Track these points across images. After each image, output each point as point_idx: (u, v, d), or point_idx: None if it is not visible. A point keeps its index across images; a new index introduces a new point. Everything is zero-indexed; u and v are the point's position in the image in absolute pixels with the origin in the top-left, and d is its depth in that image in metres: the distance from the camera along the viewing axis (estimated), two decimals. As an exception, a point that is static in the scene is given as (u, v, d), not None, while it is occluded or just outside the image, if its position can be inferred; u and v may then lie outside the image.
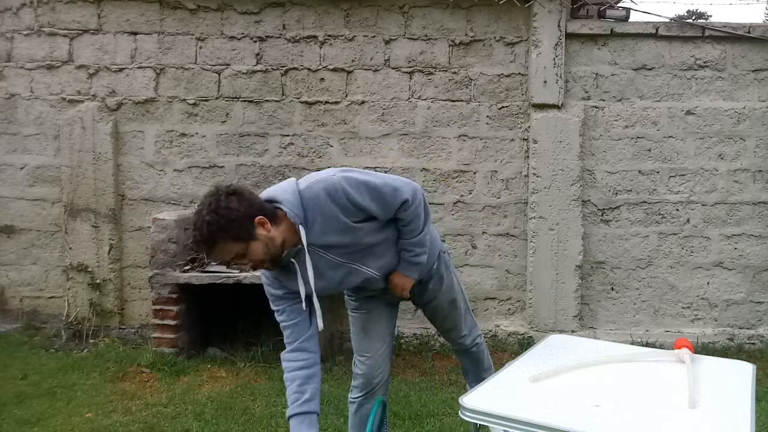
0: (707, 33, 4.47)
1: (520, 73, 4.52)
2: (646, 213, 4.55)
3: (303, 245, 1.96)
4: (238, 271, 3.96)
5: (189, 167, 4.64)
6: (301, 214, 1.94)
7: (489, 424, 1.61)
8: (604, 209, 4.55)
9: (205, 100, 4.61)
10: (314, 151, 4.60)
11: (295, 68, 4.57)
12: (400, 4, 4.50)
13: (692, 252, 4.57)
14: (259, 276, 2.22)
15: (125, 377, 3.82)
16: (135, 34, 4.60)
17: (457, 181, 4.57)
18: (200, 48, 4.59)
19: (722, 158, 4.54)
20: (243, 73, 4.58)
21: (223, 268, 4.03)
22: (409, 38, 4.53)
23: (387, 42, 4.53)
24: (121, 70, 4.62)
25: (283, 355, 2.11)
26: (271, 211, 1.95)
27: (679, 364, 1.91)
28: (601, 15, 4.50)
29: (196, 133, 4.63)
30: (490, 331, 4.53)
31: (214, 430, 3.13)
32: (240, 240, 1.89)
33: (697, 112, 4.52)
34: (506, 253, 4.59)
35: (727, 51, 4.49)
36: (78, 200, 4.59)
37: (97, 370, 3.91)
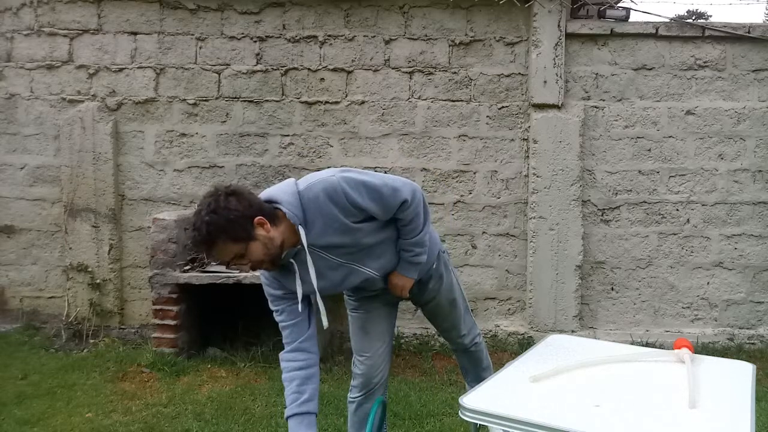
0: (707, 33, 4.47)
1: (520, 73, 4.52)
2: (646, 213, 4.55)
3: (302, 246, 1.96)
4: (238, 271, 3.95)
5: (189, 167, 4.64)
6: (300, 215, 1.94)
7: (489, 424, 1.61)
8: (604, 209, 4.55)
9: (205, 100, 4.61)
10: (314, 151, 4.60)
11: (295, 68, 4.57)
12: (400, 4, 4.51)
13: (692, 252, 4.57)
14: (259, 276, 2.22)
15: (125, 377, 3.82)
16: (135, 34, 4.60)
17: (457, 181, 4.57)
18: (200, 48, 4.59)
19: (722, 158, 4.54)
20: (243, 73, 4.58)
21: (223, 268, 4.03)
22: (409, 38, 4.53)
23: (387, 42, 4.53)
24: (121, 70, 4.62)
25: (282, 355, 2.11)
26: (271, 211, 1.94)
27: (679, 364, 1.91)
28: (601, 15, 4.50)
29: (196, 133, 4.63)
30: (490, 331, 4.53)
31: (214, 430, 3.13)
32: (239, 240, 1.89)
33: (697, 112, 4.52)
34: (506, 253, 4.59)
35: (727, 51, 4.49)
36: (78, 200, 4.60)
37: (97, 370, 3.91)
